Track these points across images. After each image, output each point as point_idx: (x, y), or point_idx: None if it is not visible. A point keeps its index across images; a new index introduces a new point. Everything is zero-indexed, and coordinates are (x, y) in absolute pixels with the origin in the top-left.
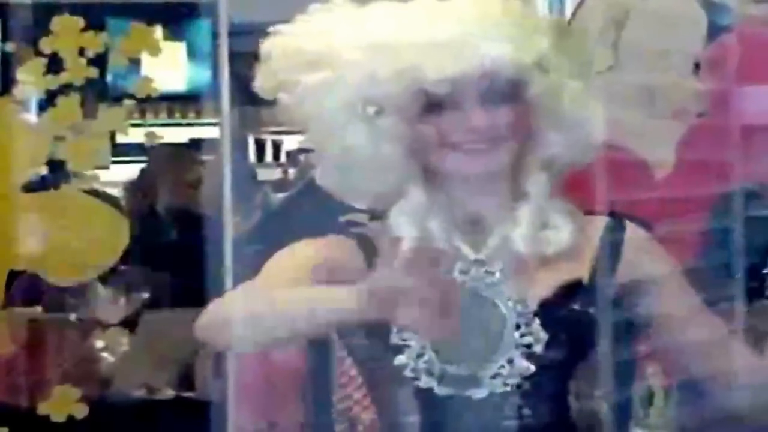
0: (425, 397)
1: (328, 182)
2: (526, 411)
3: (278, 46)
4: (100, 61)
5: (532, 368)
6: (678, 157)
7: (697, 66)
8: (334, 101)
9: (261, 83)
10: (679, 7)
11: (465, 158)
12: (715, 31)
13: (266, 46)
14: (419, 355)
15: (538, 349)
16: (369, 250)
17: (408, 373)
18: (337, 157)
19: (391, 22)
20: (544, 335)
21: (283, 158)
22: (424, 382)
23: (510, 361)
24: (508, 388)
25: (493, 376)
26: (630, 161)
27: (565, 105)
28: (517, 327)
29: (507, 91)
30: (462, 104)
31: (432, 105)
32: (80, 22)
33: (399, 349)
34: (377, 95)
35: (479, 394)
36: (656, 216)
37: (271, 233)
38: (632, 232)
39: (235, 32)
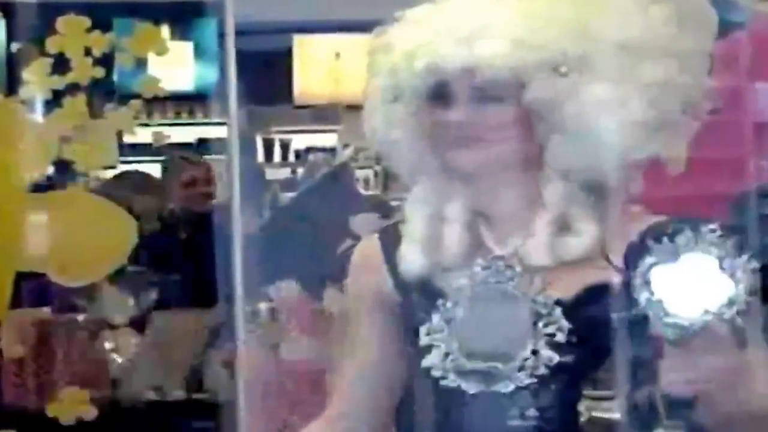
0: (453, 395)
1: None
2: (545, 406)
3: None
4: (106, 60)
5: (556, 357)
6: (691, 155)
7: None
8: (371, 85)
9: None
10: (690, 4)
11: (452, 152)
12: (726, 28)
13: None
14: (446, 354)
15: (561, 338)
16: (388, 242)
17: (435, 373)
18: (367, 140)
19: (442, 15)
20: (566, 324)
21: (291, 158)
22: (452, 380)
23: (534, 352)
24: (535, 380)
25: (519, 369)
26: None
27: (568, 112)
28: (540, 316)
29: (499, 92)
30: (450, 99)
31: (431, 97)
32: (86, 21)
33: (427, 350)
34: (394, 82)
35: (506, 388)
36: (669, 214)
37: (280, 233)
38: None
39: (241, 31)
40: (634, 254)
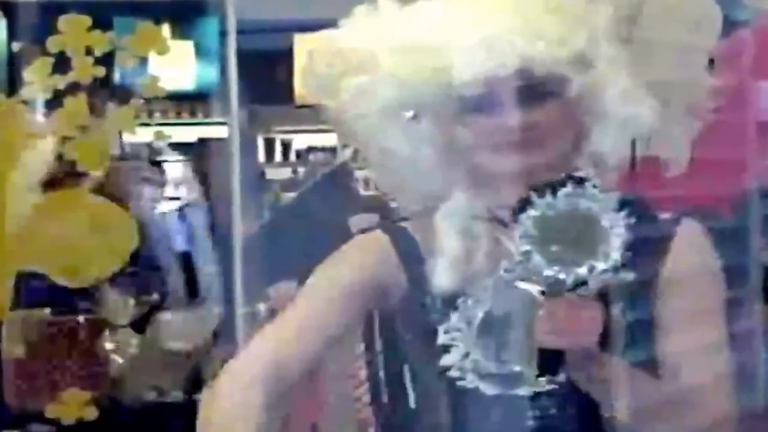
0: (470, 396)
1: (383, 185)
2: (569, 410)
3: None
4: (107, 60)
5: None
6: (693, 155)
7: (711, 62)
8: (372, 106)
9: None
10: (694, 2)
11: (503, 158)
12: (730, 26)
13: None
14: (465, 355)
15: None
16: (401, 241)
17: (454, 372)
18: (379, 161)
19: (427, 22)
20: None
21: (292, 157)
22: (470, 381)
23: None
24: (556, 386)
25: (539, 374)
26: (643, 158)
27: (609, 101)
28: None
29: (545, 90)
30: (496, 105)
31: (467, 107)
32: (87, 21)
33: (446, 349)
34: (412, 99)
35: (524, 391)
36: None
37: (281, 233)
38: (686, 226)
39: (243, 30)
40: (519, 208)
